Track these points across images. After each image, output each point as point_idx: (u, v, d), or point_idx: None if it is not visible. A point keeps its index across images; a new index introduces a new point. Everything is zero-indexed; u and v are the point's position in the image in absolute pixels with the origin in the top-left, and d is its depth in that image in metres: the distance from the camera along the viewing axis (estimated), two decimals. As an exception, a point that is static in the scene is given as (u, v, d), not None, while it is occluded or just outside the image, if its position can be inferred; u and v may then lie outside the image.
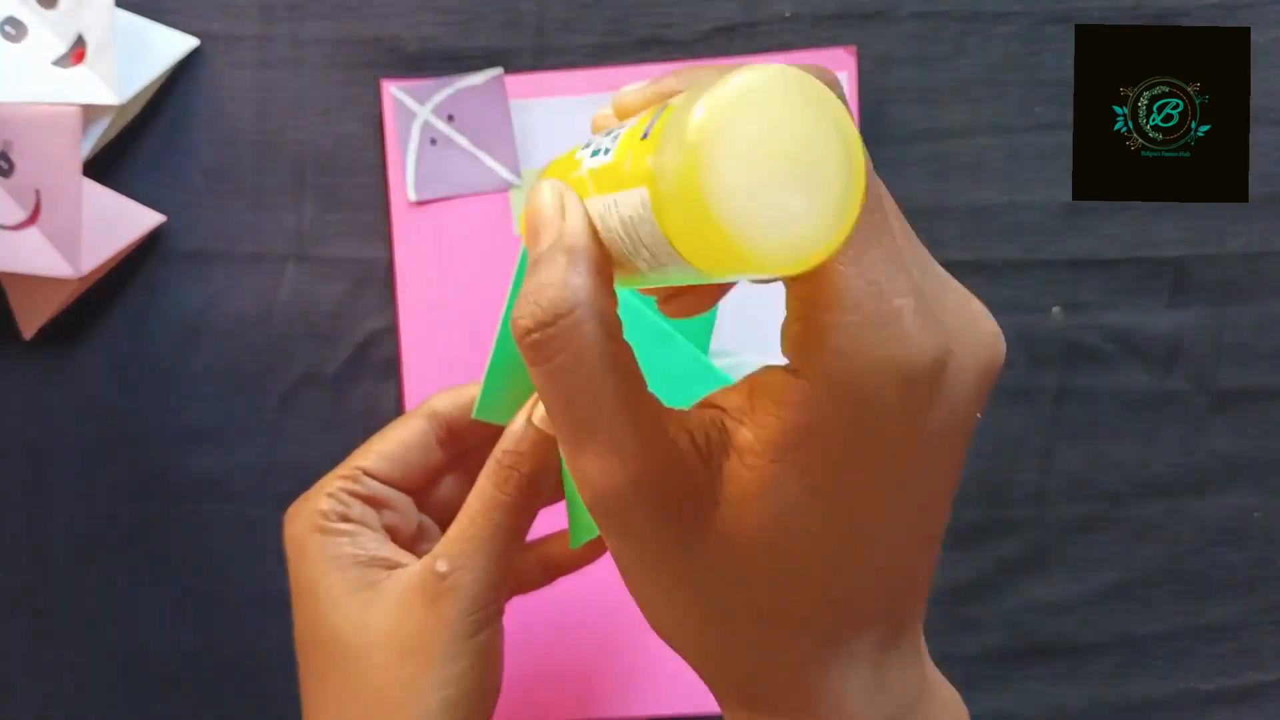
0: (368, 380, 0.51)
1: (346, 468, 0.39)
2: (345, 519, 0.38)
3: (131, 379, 0.51)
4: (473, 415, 0.39)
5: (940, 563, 0.51)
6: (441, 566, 0.36)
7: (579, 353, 0.26)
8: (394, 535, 0.39)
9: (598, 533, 0.37)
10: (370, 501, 0.39)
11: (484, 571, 0.36)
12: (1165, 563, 0.51)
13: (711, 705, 0.51)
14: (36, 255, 0.47)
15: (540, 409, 0.36)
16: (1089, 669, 0.51)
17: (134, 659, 0.51)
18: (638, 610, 0.52)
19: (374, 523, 0.39)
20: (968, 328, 0.28)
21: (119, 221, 0.49)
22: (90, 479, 0.51)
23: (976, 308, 0.29)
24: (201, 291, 0.51)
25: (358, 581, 0.37)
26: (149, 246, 0.50)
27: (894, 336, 0.25)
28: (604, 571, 0.51)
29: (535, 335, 0.26)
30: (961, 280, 0.52)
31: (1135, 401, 0.50)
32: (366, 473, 0.39)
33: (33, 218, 0.47)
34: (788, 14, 0.49)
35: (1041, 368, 0.50)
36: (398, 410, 0.50)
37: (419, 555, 0.38)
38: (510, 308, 0.35)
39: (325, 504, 0.38)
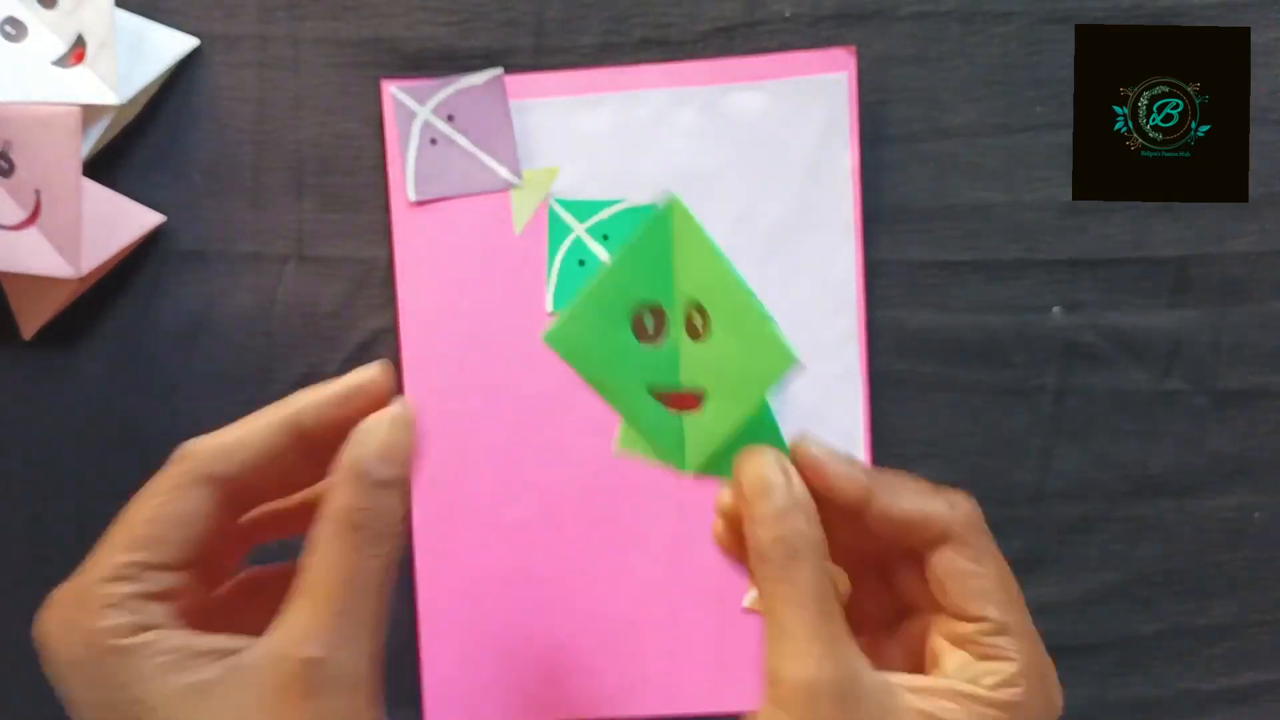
0: (368, 380, 0.51)
1: (117, 562, 0.32)
2: (143, 629, 0.32)
3: (131, 379, 0.51)
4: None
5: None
6: (316, 652, 0.31)
7: (812, 571, 0.32)
8: (188, 617, 0.33)
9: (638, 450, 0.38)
10: (164, 598, 0.32)
11: (366, 652, 0.32)
12: (1164, 563, 0.51)
13: (707, 706, 0.51)
14: (36, 255, 0.47)
15: (372, 444, 0.33)
16: (1089, 669, 0.51)
17: (134, 659, 0.51)
18: (635, 611, 0.52)
19: (171, 618, 0.33)
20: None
21: (119, 221, 0.49)
22: (90, 479, 0.51)
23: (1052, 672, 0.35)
24: (201, 291, 0.51)
25: (188, 688, 0.31)
26: (149, 246, 0.50)
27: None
28: (602, 572, 0.51)
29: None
30: (961, 280, 0.52)
31: (1135, 401, 0.50)
32: (149, 566, 0.32)
33: (32, 218, 0.47)
34: (787, 14, 0.49)
35: (1041, 367, 0.50)
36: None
37: (213, 620, 0.33)
38: (623, 261, 0.38)
39: (112, 619, 0.31)
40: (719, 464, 0.38)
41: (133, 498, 0.34)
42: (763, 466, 0.34)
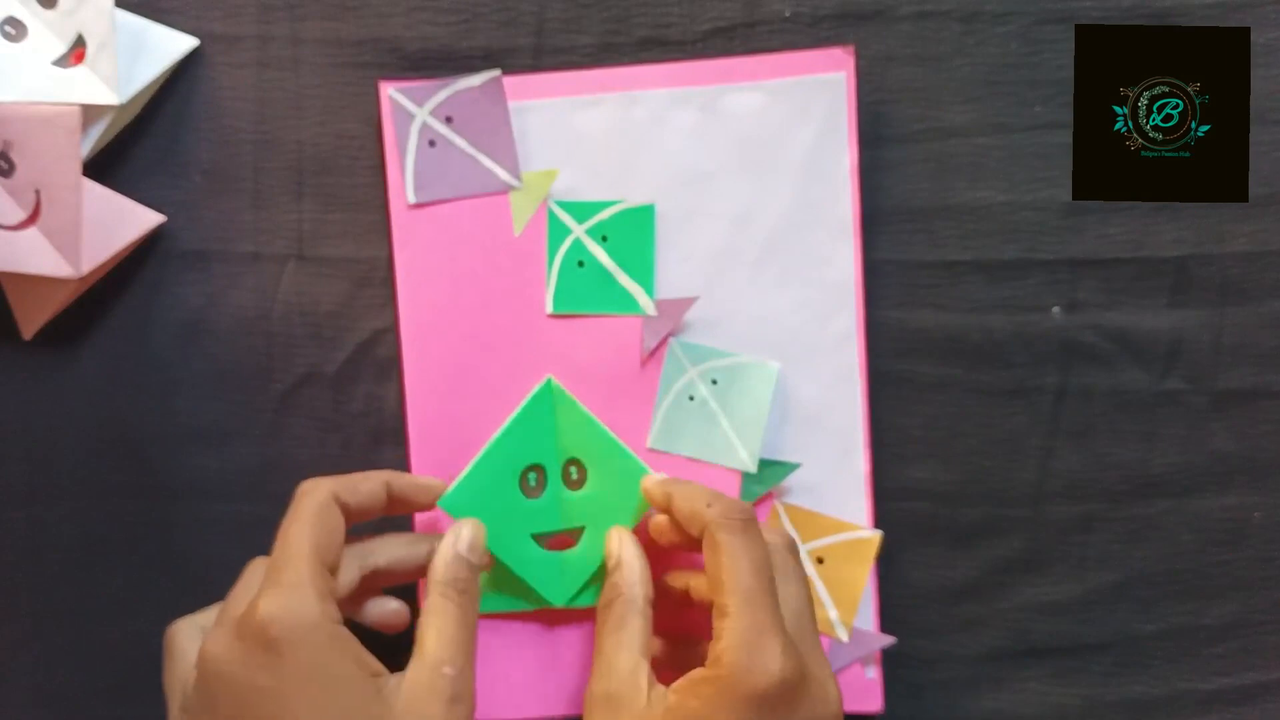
0: (368, 380, 0.51)
1: (315, 565, 0.41)
2: (337, 620, 0.40)
3: (131, 379, 0.51)
4: (438, 503, 0.46)
5: (939, 563, 0.51)
6: (449, 670, 0.40)
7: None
8: None
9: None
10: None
11: (471, 670, 0.41)
12: (1164, 562, 0.51)
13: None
14: (36, 255, 0.47)
15: (465, 538, 0.44)
16: (1088, 669, 0.51)
17: (133, 658, 0.51)
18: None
19: None
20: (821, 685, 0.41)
21: (119, 221, 0.49)
22: (90, 479, 0.51)
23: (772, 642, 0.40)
24: (201, 291, 0.51)
25: (371, 681, 0.40)
26: (149, 246, 0.50)
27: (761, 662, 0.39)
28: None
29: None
30: (961, 280, 0.52)
31: (1135, 401, 0.50)
32: (330, 569, 0.42)
33: (32, 218, 0.47)
34: (787, 14, 0.49)
35: (1041, 367, 0.50)
36: (399, 411, 0.50)
37: None
38: (510, 431, 0.49)
39: (329, 608, 0.40)
40: (587, 594, 0.49)
41: (284, 523, 0.42)
42: (610, 543, 0.46)
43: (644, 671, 0.41)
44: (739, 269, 0.50)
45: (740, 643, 0.39)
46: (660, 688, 0.41)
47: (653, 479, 0.46)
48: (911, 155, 0.50)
